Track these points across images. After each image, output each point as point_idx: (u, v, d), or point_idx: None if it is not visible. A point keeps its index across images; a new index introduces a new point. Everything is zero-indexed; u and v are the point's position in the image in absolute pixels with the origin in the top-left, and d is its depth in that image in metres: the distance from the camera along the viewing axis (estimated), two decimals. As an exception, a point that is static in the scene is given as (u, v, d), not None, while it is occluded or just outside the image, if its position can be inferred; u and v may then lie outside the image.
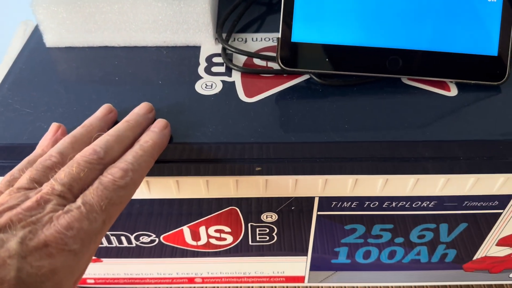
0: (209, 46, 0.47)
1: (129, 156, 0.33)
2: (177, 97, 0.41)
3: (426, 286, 0.57)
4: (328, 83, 0.42)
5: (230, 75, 0.43)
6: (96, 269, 0.54)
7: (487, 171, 0.39)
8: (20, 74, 0.44)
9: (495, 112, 0.39)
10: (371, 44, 0.40)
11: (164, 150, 0.36)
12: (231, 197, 0.43)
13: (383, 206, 0.43)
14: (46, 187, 0.30)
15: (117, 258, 0.51)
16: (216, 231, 0.47)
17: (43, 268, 0.27)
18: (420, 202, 0.43)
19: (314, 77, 0.42)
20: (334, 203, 0.43)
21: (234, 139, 0.37)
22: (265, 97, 0.41)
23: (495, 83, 0.41)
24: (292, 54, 0.41)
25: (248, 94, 0.41)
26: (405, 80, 0.42)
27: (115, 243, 0.49)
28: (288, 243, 0.49)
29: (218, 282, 0.56)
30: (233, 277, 0.55)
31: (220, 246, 0.49)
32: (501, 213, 0.45)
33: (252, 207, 0.44)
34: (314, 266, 0.53)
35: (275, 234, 0.48)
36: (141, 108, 0.38)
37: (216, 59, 0.45)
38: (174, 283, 0.56)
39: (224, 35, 0.47)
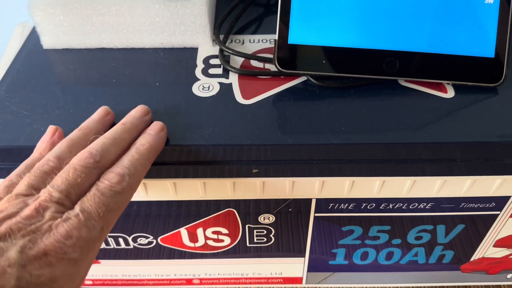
0: (206, 47, 0.47)
1: (126, 160, 0.33)
2: (174, 99, 0.41)
3: (424, 287, 0.57)
4: (325, 85, 0.42)
5: (227, 77, 0.43)
6: (94, 271, 0.54)
7: (484, 172, 0.39)
8: (17, 76, 0.44)
9: (492, 114, 0.39)
10: (368, 46, 0.40)
11: (161, 152, 0.36)
12: (228, 199, 0.43)
13: (380, 207, 0.43)
14: (44, 194, 0.30)
15: (115, 260, 0.51)
16: (213, 232, 0.47)
17: (43, 277, 0.27)
18: (417, 204, 0.43)
19: (311, 79, 0.42)
20: (331, 204, 0.43)
21: (231, 141, 0.37)
22: (262, 99, 0.41)
23: (492, 84, 0.41)
24: (289, 56, 0.41)
25: (245, 96, 0.41)
26: (402, 82, 0.42)
27: (112, 244, 0.49)
28: (285, 245, 0.49)
29: (216, 283, 0.56)
30: (231, 278, 0.55)
31: (217, 248, 0.49)
32: (498, 214, 0.45)
33: (249, 209, 0.44)
34: (312, 267, 0.53)
35: (273, 235, 0.48)
36: (138, 111, 0.38)
37: (213, 61, 0.45)
38: (172, 285, 0.56)
39: (221, 37, 0.47)
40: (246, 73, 0.44)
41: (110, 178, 0.31)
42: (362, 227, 0.46)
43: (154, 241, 0.48)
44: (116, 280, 0.55)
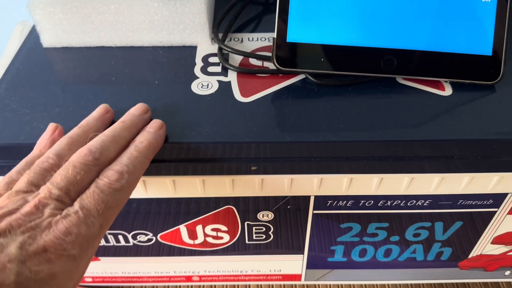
0: (205, 46, 0.47)
1: (124, 158, 0.33)
2: (173, 97, 0.41)
3: (422, 284, 0.57)
4: (324, 83, 0.42)
5: (226, 75, 0.44)
6: (94, 268, 0.54)
7: (481, 170, 0.40)
8: (17, 74, 0.45)
9: (489, 111, 0.40)
10: (366, 44, 0.40)
11: (160, 150, 0.37)
12: (227, 196, 0.43)
13: (378, 204, 0.44)
14: (43, 191, 0.30)
15: (114, 257, 0.52)
16: (212, 230, 0.47)
17: (42, 273, 0.27)
18: (415, 201, 0.43)
19: (309, 77, 0.42)
20: (330, 202, 0.43)
21: (230, 139, 0.38)
22: (260, 97, 0.41)
23: (490, 82, 0.41)
24: (287, 54, 0.41)
25: (244, 94, 0.41)
26: (400, 79, 0.43)
27: (112, 242, 0.49)
28: (284, 242, 0.49)
29: (215, 281, 0.56)
30: (230, 275, 0.55)
31: (217, 245, 0.50)
32: (496, 211, 0.45)
33: (248, 206, 0.44)
34: (311, 264, 0.53)
35: (272, 232, 0.48)
36: (137, 109, 0.38)
37: (212, 59, 0.46)
38: (171, 282, 0.57)
39: (220, 35, 0.47)
40: (245, 71, 0.44)
41: (109, 176, 0.32)
42: (360, 224, 0.47)
43: (154, 238, 0.48)
44: (115, 277, 0.55)
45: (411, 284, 0.57)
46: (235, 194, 0.43)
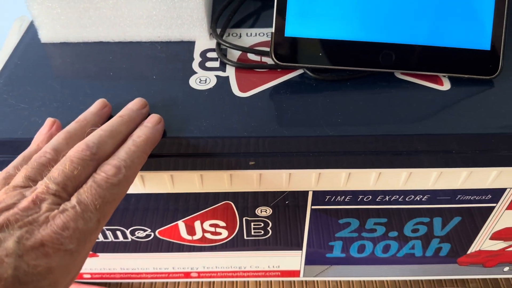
0: (203, 41, 0.47)
1: (122, 152, 0.33)
2: (171, 92, 0.41)
3: (421, 281, 0.57)
4: (322, 77, 0.42)
5: (224, 70, 0.44)
6: (92, 264, 0.54)
7: (480, 164, 0.40)
8: (15, 69, 0.45)
9: (487, 106, 0.40)
10: (364, 39, 0.40)
11: (158, 145, 0.37)
12: (225, 192, 0.43)
13: (377, 200, 0.44)
14: (41, 186, 0.30)
15: (113, 253, 0.52)
16: (211, 225, 0.47)
17: (39, 267, 0.27)
18: (413, 196, 0.43)
19: (307, 71, 0.42)
20: (328, 197, 0.43)
21: (228, 134, 0.37)
22: (259, 92, 0.41)
23: (488, 77, 0.41)
24: (285, 49, 0.41)
25: (242, 89, 0.41)
26: (398, 74, 0.42)
27: (110, 237, 0.49)
28: (283, 238, 0.49)
29: (214, 277, 0.56)
30: (229, 272, 0.55)
31: (215, 241, 0.50)
32: (495, 206, 0.45)
33: (246, 202, 0.44)
34: (309, 260, 0.53)
35: (270, 228, 0.48)
36: (135, 104, 0.38)
37: (210, 54, 0.46)
38: (170, 278, 0.57)
39: (218, 30, 0.47)
40: (243, 66, 0.44)
41: (106, 170, 0.32)
42: (358, 220, 0.47)
43: (152, 234, 0.48)
44: (114, 273, 0.55)
45: (410, 281, 0.57)
46: (233, 189, 0.43)
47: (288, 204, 0.45)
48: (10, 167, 0.33)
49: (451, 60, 0.41)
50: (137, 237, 0.49)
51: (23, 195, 0.30)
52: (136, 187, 0.42)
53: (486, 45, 0.41)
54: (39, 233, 0.28)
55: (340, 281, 0.57)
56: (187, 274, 0.56)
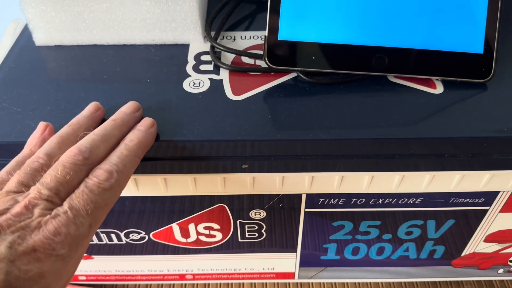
0: (197, 44, 0.47)
1: (114, 156, 0.33)
2: (165, 95, 0.41)
3: (416, 283, 0.57)
4: (315, 81, 0.42)
5: (218, 73, 0.44)
6: (87, 266, 0.54)
7: (472, 168, 0.40)
8: (9, 72, 0.45)
9: (480, 109, 0.40)
10: (357, 42, 0.40)
11: (151, 148, 0.37)
12: (219, 195, 0.43)
13: (370, 202, 0.44)
14: (33, 192, 0.30)
15: (108, 255, 0.52)
16: (205, 228, 0.47)
17: (31, 272, 0.27)
18: (406, 199, 0.43)
19: (301, 75, 0.42)
20: (322, 200, 0.43)
21: (221, 137, 0.38)
22: (252, 95, 0.41)
23: (481, 80, 0.41)
24: (279, 52, 0.41)
25: (235, 92, 0.41)
26: (391, 78, 0.43)
27: (105, 240, 0.49)
28: (277, 240, 0.49)
29: (209, 279, 0.57)
30: (223, 274, 0.56)
31: (210, 243, 0.50)
32: (488, 209, 0.45)
33: (240, 204, 0.44)
34: (304, 263, 0.53)
35: (264, 231, 0.48)
36: (128, 107, 0.38)
37: (204, 57, 0.46)
38: (165, 280, 0.57)
39: (212, 33, 0.47)
40: (237, 69, 0.44)
41: (98, 175, 0.32)
42: (352, 222, 0.47)
43: (146, 236, 0.48)
44: (109, 275, 0.55)
45: (404, 283, 0.57)
46: (227, 192, 0.43)
47: (282, 207, 0.45)
48: (3, 172, 0.33)
49: (444, 64, 0.41)
50: (132, 240, 0.49)
51: (15, 201, 0.30)
52: (130, 191, 0.42)
53: (479, 49, 0.41)
54: (31, 239, 0.28)
55: (335, 283, 0.57)
56: (182, 276, 0.56)
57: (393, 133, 0.38)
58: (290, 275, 0.56)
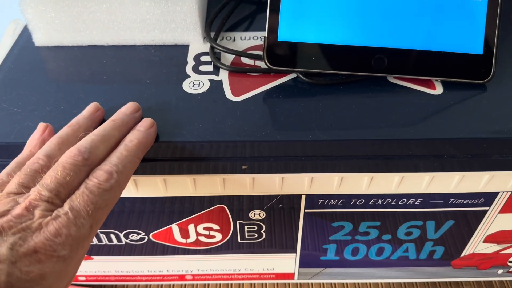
0: (197, 45, 0.47)
1: (114, 157, 0.33)
2: (165, 96, 0.41)
3: (416, 283, 0.57)
4: (315, 81, 0.42)
5: (217, 74, 0.44)
6: (87, 267, 0.54)
7: (472, 168, 0.40)
8: (9, 73, 0.45)
9: (480, 110, 0.40)
10: (357, 43, 0.40)
11: (151, 149, 0.37)
12: (218, 195, 0.43)
13: (370, 203, 0.44)
14: (33, 193, 0.30)
15: (107, 256, 0.52)
16: (205, 228, 0.47)
17: (32, 273, 0.27)
18: (406, 200, 0.43)
19: (300, 76, 0.42)
20: (321, 200, 0.43)
21: (220, 138, 0.38)
22: (252, 96, 0.41)
23: (481, 81, 0.41)
24: (278, 53, 0.41)
25: (235, 93, 0.41)
26: (391, 78, 0.43)
27: (104, 240, 0.49)
28: (277, 241, 0.49)
29: (208, 279, 0.57)
30: (223, 274, 0.56)
31: (209, 244, 0.50)
32: (487, 210, 0.45)
33: (240, 205, 0.44)
34: (303, 263, 0.53)
35: (264, 231, 0.48)
36: (128, 108, 0.38)
37: (204, 58, 0.46)
38: (164, 280, 0.57)
39: (212, 34, 0.47)
40: (236, 70, 0.44)
41: (98, 176, 0.32)
42: (352, 223, 0.47)
43: (146, 237, 0.48)
44: (109, 276, 0.55)
45: (404, 283, 0.57)
46: (227, 193, 0.43)
47: (282, 208, 0.45)
48: (3, 174, 0.33)
49: (443, 64, 0.41)
50: (131, 240, 0.49)
51: (16, 202, 0.30)
52: (129, 191, 0.42)
53: (478, 50, 0.41)
54: (32, 240, 0.28)
55: (335, 284, 0.57)
56: (181, 277, 0.56)
57: (393, 134, 0.38)
58: (290, 276, 0.56)
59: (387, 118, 0.39)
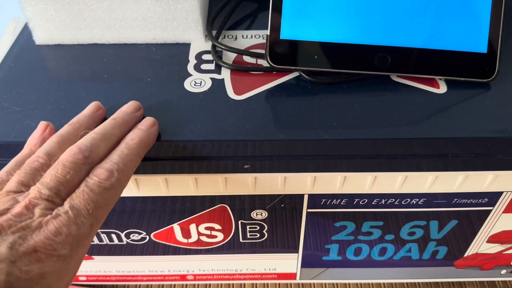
0: (199, 43, 0.47)
1: (115, 155, 0.33)
2: (166, 95, 0.41)
3: (418, 283, 0.57)
4: (317, 80, 0.42)
5: (219, 73, 0.43)
6: (88, 266, 0.54)
7: (476, 168, 0.39)
8: (9, 71, 0.44)
9: (484, 109, 0.39)
10: (360, 42, 0.40)
11: (152, 148, 0.36)
12: (220, 195, 0.43)
13: (373, 203, 0.43)
14: (33, 192, 0.30)
15: (108, 256, 0.51)
16: (206, 228, 0.47)
17: (32, 273, 0.27)
18: (409, 199, 0.43)
19: (303, 74, 0.42)
20: (324, 200, 0.43)
21: (222, 137, 0.37)
22: (254, 95, 0.41)
23: (484, 80, 0.41)
24: (281, 51, 0.41)
25: (237, 92, 0.41)
26: (394, 77, 0.42)
27: (105, 240, 0.49)
28: (279, 240, 0.49)
29: (210, 279, 0.56)
30: (225, 274, 0.55)
31: (211, 244, 0.50)
32: (491, 210, 0.45)
33: (241, 205, 0.44)
34: (306, 263, 0.53)
35: (266, 231, 0.48)
36: (129, 107, 0.38)
37: (205, 56, 0.45)
38: (166, 280, 0.56)
39: (214, 32, 0.47)
40: (238, 68, 0.43)
41: (99, 174, 0.31)
42: (354, 223, 0.46)
43: (147, 237, 0.48)
44: (110, 275, 0.55)
45: (407, 283, 0.57)
46: (228, 192, 0.42)
47: (284, 207, 0.44)
48: (3, 172, 0.33)
49: (447, 63, 0.41)
50: (132, 240, 0.49)
51: (16, 201, 0.30)
52: (130, 191, 0.42)
53: (482, 48, 0.40)
54: (32, 239, 0.28)
55: (337, 284, 0.57)
56: (183, 277, 0.56)
57: (396, 133, 0.37)
58: (292, 276, 0.55)
59: (391, 117, 0.38)
